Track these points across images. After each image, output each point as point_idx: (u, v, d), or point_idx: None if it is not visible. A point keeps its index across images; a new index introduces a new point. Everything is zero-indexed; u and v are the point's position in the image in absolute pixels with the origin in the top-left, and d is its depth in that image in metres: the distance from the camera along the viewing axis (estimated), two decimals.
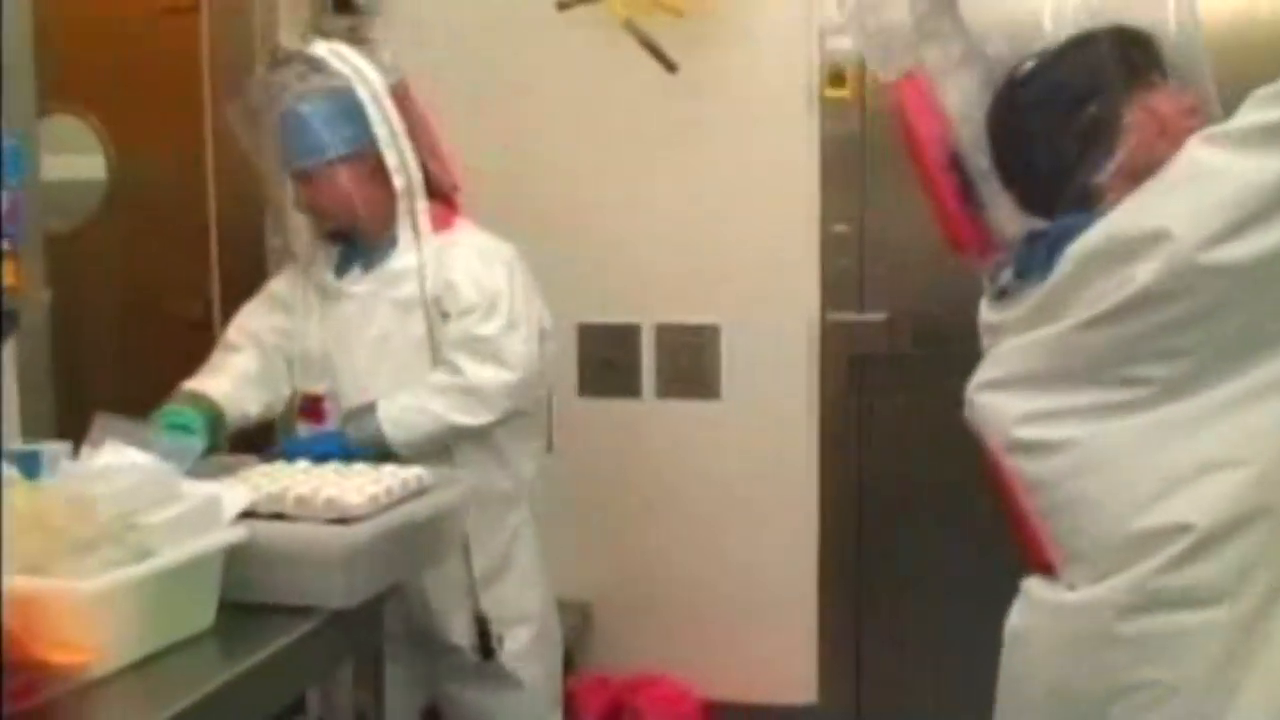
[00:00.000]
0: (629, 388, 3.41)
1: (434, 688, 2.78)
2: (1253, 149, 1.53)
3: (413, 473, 2.12)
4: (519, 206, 3.42)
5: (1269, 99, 1.53)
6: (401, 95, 2.54)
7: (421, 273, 2.53)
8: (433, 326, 2.54)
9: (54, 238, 2.43)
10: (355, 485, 2.02)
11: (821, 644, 3.34)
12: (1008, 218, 1.80)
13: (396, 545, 2.02)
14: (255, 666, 1.73)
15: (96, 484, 1.68)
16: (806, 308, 3.28)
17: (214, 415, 2.49)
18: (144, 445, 1.91)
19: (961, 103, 1.80)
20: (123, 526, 1.65)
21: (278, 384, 2.67)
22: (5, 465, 1.80)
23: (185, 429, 2.36)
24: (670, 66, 3.20)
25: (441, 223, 2.59)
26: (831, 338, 3.27)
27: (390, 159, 2.50)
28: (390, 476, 2.09)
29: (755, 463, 3.34)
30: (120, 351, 3.38)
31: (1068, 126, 1.72)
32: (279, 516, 1.97)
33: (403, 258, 2.55)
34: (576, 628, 3.43)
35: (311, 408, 2.65)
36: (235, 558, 1.82)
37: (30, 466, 1.90)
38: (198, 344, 2.78)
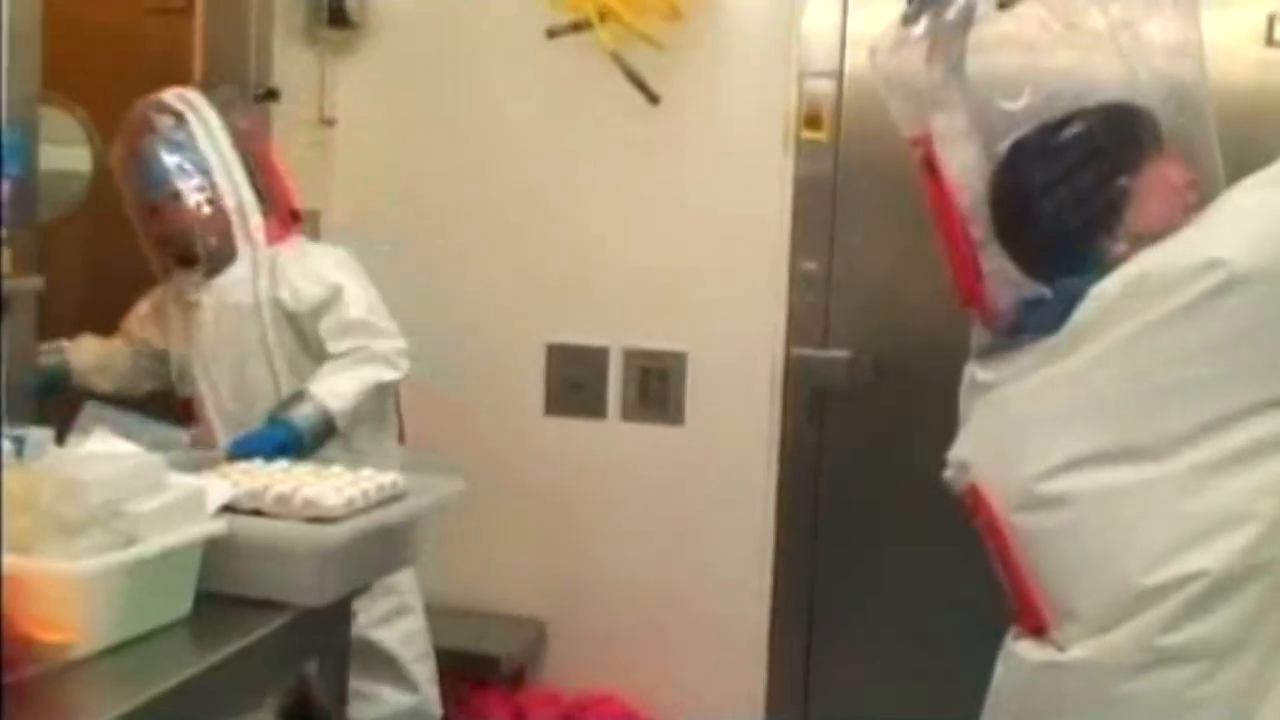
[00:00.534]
0: (594, 409, 3.47)
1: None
2: None
3: (389, 478, 2.18)
4: (496, 224, 3.49)
5: None
6: (242, 133, 2.82)
7: (256, 279, 2.77)
8: (267, 329, 2.78)
9: (39, 227, 2.50)
10: (333, 486, 2.07)
11: (770, 667, 3.39)
12: (1000, 286, 1.79)
13: (369, 547, 2.08)
14: (229, 656, 1.78)
15: (86, 469, 1.73)
16: (772, 340, 3.34)
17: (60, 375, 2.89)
18: (130, 434, 1.96)
19: (960, 172, 1.80)
20: (110, 512, 1.70)
21: (137, 379, 3.00)
22: (6, 445, 1.84)
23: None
24: (652, 98, 3.27)
25: (275, 236, 2.82)
26: (795, 371, 3.34)
27: (221, 182, 2.76)
28: (367, 480, 2.14)
29: (714, 488, 3.39)
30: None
31: (1078, 189, 1.73)
32: (258, 513, 2.02)
33: (240, 267, 2.78)
34: (531, 644, 3.47)
35: (186, 411, 2.90)
36: (214, 550, 1.87)
37: (18, 450, 1.94)
38: None
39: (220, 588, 1.89)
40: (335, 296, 2.75)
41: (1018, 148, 1.75)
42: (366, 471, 2.20)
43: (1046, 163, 1.74)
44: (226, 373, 2.82)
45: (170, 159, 2.73)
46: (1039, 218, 1.76)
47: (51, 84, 2.65)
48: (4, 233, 2.13)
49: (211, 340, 2.81)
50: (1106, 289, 1.68)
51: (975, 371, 1.87)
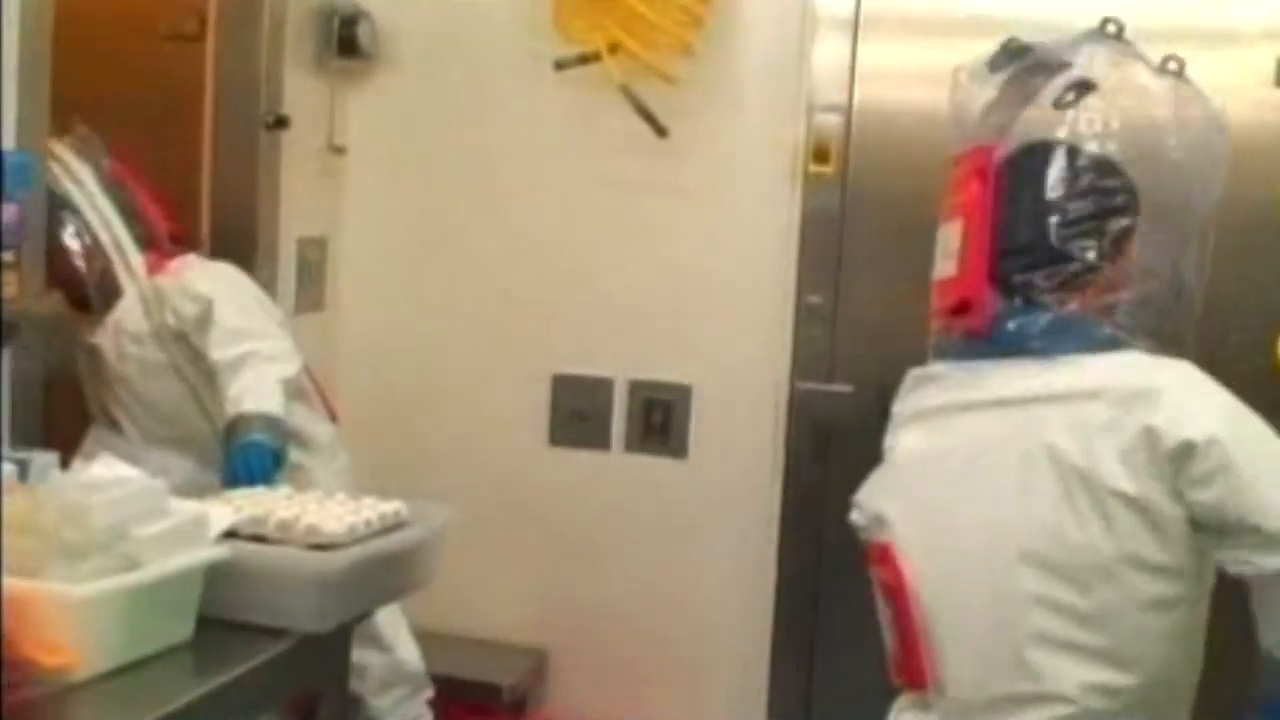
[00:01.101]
0: (599, 441, 3.47)
1: None
2: None
3: (392, 507, 2.19)
4: (503, 254, 3.50)
5: None
6: (108, 172, 2.84)
7: (146, 311, 2.81)
8: (172, 353, 2.82)
9: None
10: (336, 514, 2.08)
11: (771, 700, 3.38)
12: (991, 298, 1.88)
13: (371, 575, 2.08)
14: (230, 682, 1.79)
15: (91, 493, 1.73)
16: (776, 374, 3.35)
17: None
18: (134, 460, 1.97)
19: None
20: (114, 536, 1.71)
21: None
22: (5, 469, 1.85)
23: None
24: (661, 131, 3.28)
25: (156, 267, 2.84)
26: (799, 405, 3.34)
27: (95, 223, 2.78)
28: (369, 508, 2.15)
29: (717, 521, 3.39)
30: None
31: (1068, 212, 1.82)
32: (260, 539, 2.03)
33: (128, 299, 2.82)
34: (532, 674, 3.47)
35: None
36: (216, 575, 1.88)
37: (21, 474, 1.95)
38: None
39: (222, 613, 1.89)
40: (208, 310, 2.76)
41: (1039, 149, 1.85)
42: (369, 500, 2.20)
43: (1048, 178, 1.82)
44: (142, 398, 2.86)
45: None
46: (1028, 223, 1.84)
47: (63, 111, 2.68)
48: (6, 256, 2.14)
49: (117, 372, 2.85)
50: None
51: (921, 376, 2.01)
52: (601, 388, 3.46)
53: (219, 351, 2.72)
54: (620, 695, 3.46)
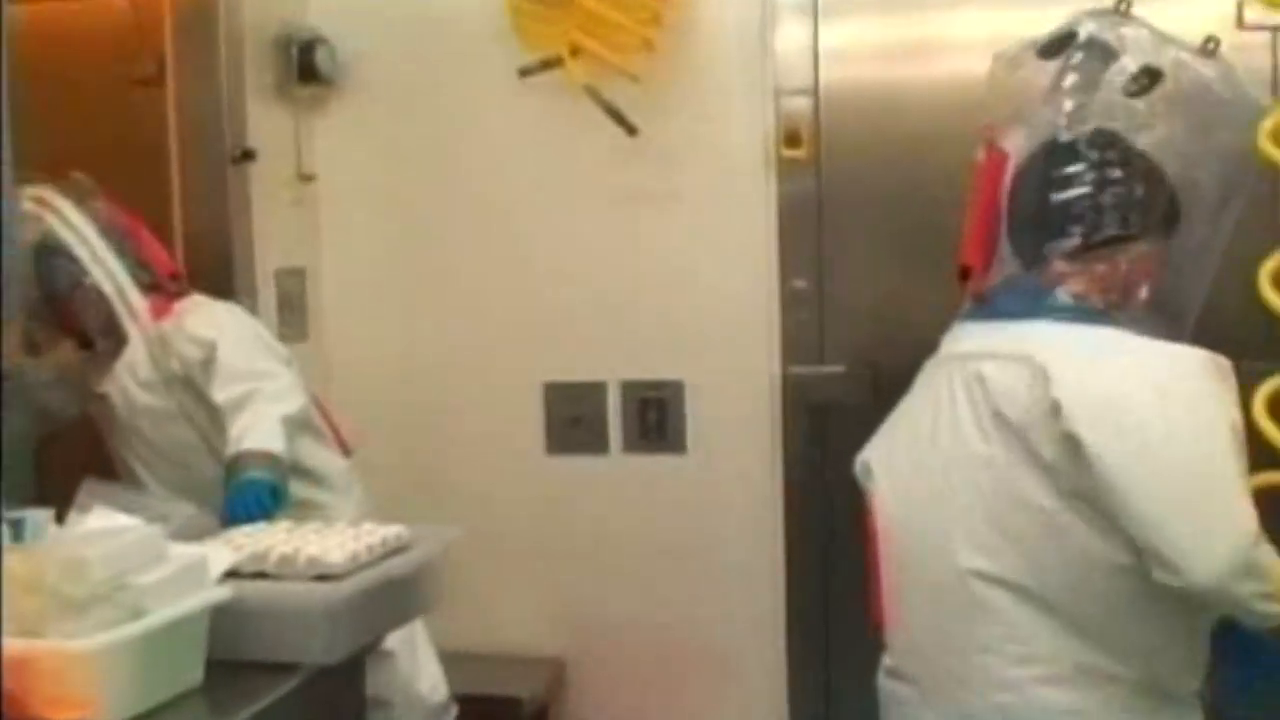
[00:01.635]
0: (596, 445, 3.46)
1: None
2: None
3: (393, 531, 2.17)
4: (485, 267, 3.49)
5: None
6: (104, 217, 2.81)
7: (152, 357, 2.78)
8: (181, 398, 2.79)
9: None
10: (336, 543, 2.06)
11: (791, 698, 3.36)
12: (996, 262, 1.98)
13: (377, 601, 2.07)
14: None
15: (88, 547, 1.72)
16: (767, 360, 3.34)
17: None
18: (129, 508, 1.95)
19: (1015, 155, 1.98)
20: (114, 587, 1.69)
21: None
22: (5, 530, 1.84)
23: None
24: (630, 130, 3.27)
25: (162, 310, 2.81)
26: (793, 389, 3.33)
27: (94, 271, 2.76)
28: (370, 535, 2.14)
29: (722, 514, 3.38)
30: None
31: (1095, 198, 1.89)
32: (262, 575, 2.01)
33: (134, 348, 2.79)
34: (551, 684, 3.46)
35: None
36: (222, 616, 1.86)
37: (17, 533, 1.93)
38: None
39: (231, 654, 1.88)
40: (211, 352, 2.74)
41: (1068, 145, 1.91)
42: (368, 525, 2.19)
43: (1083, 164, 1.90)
44: (155, 446, 2.84)
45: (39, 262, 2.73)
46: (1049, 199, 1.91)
47: (30, 162, 2.66)
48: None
49: (127, 421, 2.83)
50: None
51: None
52: (594, 392, 3.45)
53: (222, 393, 2.70)
54: (641, 700, 3.46)
